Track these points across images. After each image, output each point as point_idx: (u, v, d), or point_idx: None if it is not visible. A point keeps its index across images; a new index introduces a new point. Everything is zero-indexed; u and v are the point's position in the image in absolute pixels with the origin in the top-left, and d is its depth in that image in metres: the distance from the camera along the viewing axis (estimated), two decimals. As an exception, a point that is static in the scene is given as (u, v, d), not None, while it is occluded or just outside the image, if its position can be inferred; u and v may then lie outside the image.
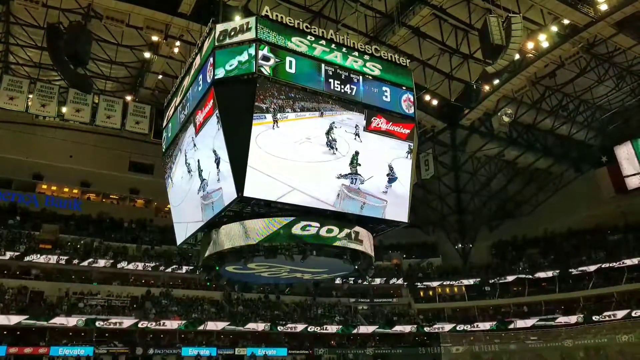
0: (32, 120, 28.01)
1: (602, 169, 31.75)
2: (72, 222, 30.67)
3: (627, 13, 19.89)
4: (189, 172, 13.20)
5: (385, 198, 12.27)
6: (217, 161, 11.35)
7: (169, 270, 30.93)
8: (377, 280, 35.60)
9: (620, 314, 27.90)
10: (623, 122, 30.42)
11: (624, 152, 30.50)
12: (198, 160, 12.60)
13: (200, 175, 12.48)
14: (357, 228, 12.43)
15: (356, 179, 11.70)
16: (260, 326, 30.38)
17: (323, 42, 12.02)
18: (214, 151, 11.43)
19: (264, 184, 10.72)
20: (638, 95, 28.12)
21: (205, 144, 11.93)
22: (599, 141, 32.03)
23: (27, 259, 26.92)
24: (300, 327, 31.38)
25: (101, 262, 28.87)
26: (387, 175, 12.31)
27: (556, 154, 32.32)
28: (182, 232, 14.44)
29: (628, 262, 29.45)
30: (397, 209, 12.57)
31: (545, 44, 21.51)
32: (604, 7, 19.83)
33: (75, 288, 27.90)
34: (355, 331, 33.07)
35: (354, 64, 12.30)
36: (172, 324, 28.04)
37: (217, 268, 13.16)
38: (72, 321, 25.52)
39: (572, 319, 29.75)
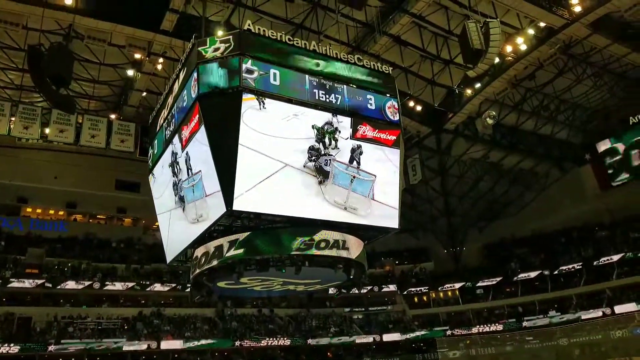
0: (15, 143, 27.59)
1: (585, 166, 32.33)
2: (59, 245, 30.03)
3: (600, 14, 20.52)
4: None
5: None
6: (200, 176, 11.43)
7: (160, 288, 30.41)
8: (370, 289, 35.43)
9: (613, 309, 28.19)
10: (603, 119, 31.09)
11: (605, 149, 31.08)
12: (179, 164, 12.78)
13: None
14: (347, 236, 12.43)
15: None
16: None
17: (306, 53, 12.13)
18: (201, 165, 11.43)
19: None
20: (616, 92, 28.86)
21: (192, 157, 11.91)
22: (581, 139, 32.68)
23: (13, 284, 26.28)
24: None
25: (89, 284, 28.27)
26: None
27: (540, 153, 32.84)
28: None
29: (617, 257, 29.86)
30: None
31: (523, 47, 22.02)
32: (578, 9, 20.43)
33: (64, 312, 27.26)
34: (351, 340, 32.86)
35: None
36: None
37: (208, 286, 13.07)
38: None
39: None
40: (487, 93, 25.60)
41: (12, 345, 23.85)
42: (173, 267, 27.57)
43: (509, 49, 21.96)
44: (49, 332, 25.60)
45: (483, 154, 32.14)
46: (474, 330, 32.71)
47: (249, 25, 11.68)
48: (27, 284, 26.65)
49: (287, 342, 30.92)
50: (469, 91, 25.60)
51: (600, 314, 28.66)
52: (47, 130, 21.33)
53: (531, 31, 21.65)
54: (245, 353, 30.04)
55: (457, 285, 35.81)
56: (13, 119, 20.60)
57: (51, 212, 32.35)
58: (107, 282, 28.66)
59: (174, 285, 30.41)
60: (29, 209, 31.47)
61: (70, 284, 27.75)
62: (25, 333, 25.27)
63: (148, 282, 29.96)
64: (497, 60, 19.50)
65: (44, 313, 26.65)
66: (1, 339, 23.97)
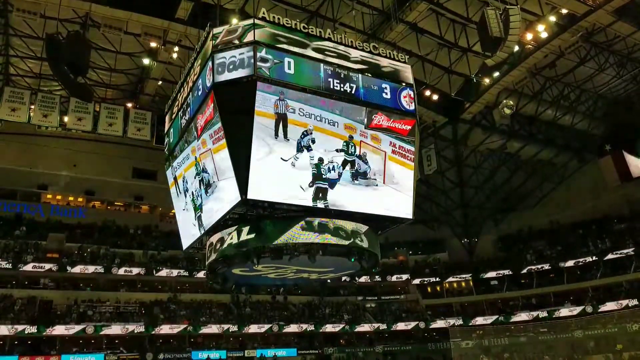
0: (34, 131, 28.07)
1: (606, 157, 31.57)
2: (78, 231, 30.80)
3: (626, 0, 19.77)
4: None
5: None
6: (216, 165, 11.48)
7: (176, 274, 30.99)
8: (383, 278, 35.49)
9: (631, 302, 27.72)
10: (625, 109, 30.23)
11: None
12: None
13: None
14: (361, 226, 12.42)
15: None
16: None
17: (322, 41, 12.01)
18: (215, 153, 11.50)
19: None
20: (640, 82, 27.98)
21: (207, 146, 11.98)
22: (602, 130, 31.86)
23: (34, 268, 27.04)
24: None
25: (108, 269, 28.94)
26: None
27: (559, 144, 32.16)
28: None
29: (635, 249, 29.21)
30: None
31: (544, 35, 21.37)
32: (602, -5, 19.71)
33: (84, 296, 28.03)
34: (364, 329, 33.04)
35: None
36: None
37: (223, 274, 13.23)
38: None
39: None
40: (506, 82, 25.04)
41: (34, 326, 24.67)
42: (189, 253, 27.97)
43: (529, 36, 21.35)
44: (69, 315, 26.38)
45: (500, 145, 31.61)
46: (488, 320, 32.59)
47: (263, 13, 11.59)
48: (49, 268, 27.39)
49: (301, 328, 31.31)
50: (486, 80, 25.08)
51: (616, 306, 28.26)
52: (65, 119, 21.65)
53: (552, 18, 20.98)
54: (259, 339, 30.53)
55: (467, 276, 35.66)
56: (32, 107, 20.94)
57: (70, 198, 33.08)
58: (124, 270, 29.29)
59: (189, 271, 30.92)
60: (49, 196, 32.24)
61: (90, 269, 28.45)
62: (47, 315, 26.09)
63: (164, 269, 30.55)
64: (516, 48, 18.99)
65: (65, 296, 27.47)
66: (25, 321, 24.80)
